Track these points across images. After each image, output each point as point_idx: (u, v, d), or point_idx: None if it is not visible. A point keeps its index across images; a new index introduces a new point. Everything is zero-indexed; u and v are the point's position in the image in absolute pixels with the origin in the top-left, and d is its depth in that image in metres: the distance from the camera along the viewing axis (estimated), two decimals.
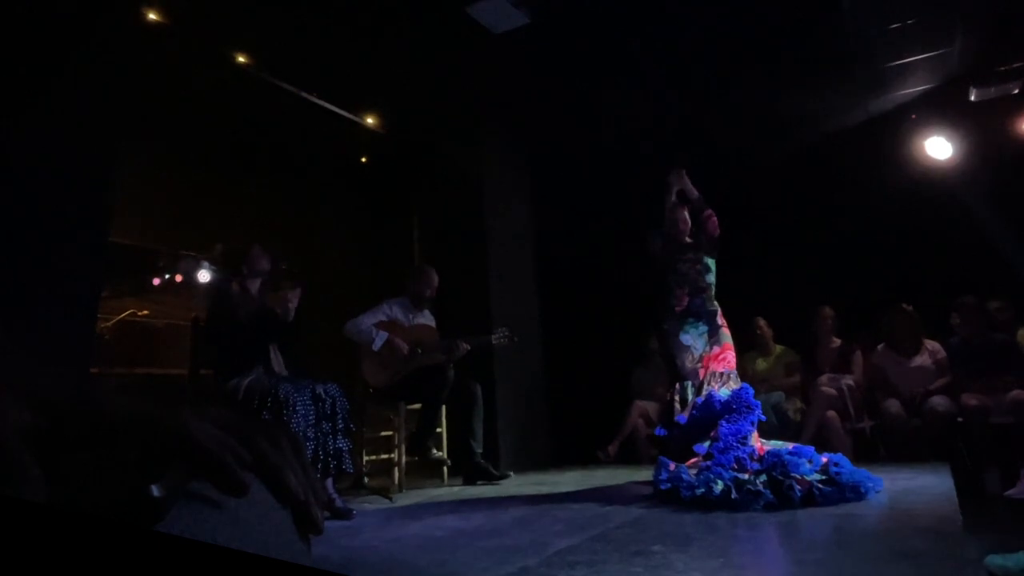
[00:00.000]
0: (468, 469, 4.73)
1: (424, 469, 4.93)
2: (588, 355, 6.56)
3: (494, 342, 4.99)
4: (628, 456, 5.85)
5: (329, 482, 3.55)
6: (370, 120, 6.20)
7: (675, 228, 4.42)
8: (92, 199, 3.55)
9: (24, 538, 0.36)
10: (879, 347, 5.43)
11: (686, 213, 4.44)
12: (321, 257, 6.39)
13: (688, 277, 4.30)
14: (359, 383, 4.68)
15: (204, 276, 6.51)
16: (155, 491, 0.46)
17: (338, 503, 3.49)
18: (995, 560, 2.05)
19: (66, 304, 3.30)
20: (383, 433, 4.64)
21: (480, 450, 4.74)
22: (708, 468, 3.41)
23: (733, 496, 3.10)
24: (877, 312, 5.48)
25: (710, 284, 4.30)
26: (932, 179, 5.96)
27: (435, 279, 4.94)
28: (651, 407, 6.02)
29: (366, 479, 4.44)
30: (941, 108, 6.03)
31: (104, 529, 0.38)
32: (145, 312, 6.47)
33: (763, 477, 3.20)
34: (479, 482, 4.66)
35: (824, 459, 3.44)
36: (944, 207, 5.67)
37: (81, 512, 0.41)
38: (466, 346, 4.71)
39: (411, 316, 4.87)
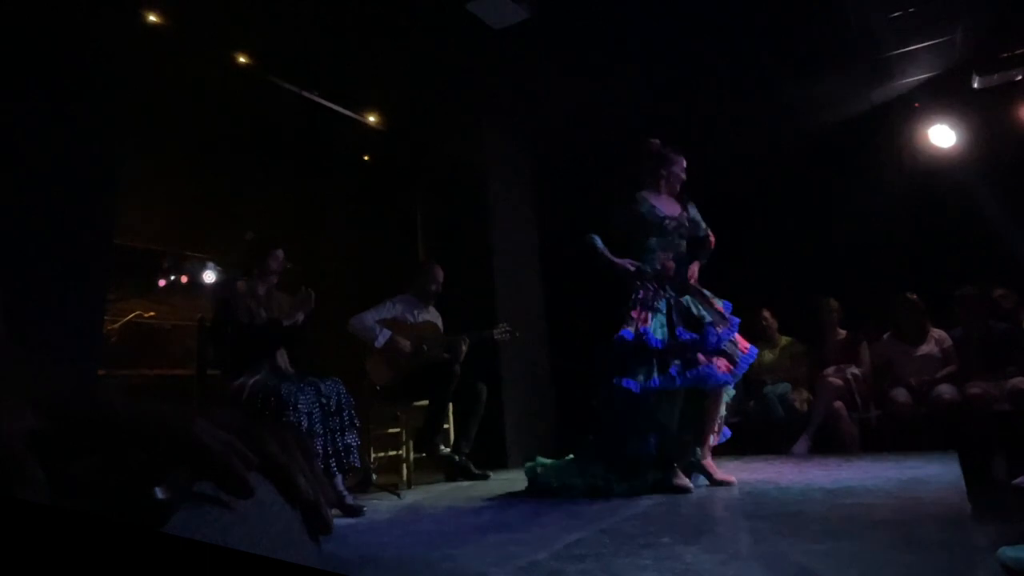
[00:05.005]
0: (450, 466, 4.75)
1: (432, 465, 4.94)
2: (594, 348, 6.55)
3: (496, 337, 5.00)
4: None
5: (339, 479, 3.56)
6: (372, 118, 6.19)
7: (676, 182, 4.11)
8: (97, 201, 3.56)
9: (28, 538, 0.36)
10: (885, 336, 5.43)
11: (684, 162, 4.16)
12: (325, 255, 6.40)
13: (673, 240, 4.00)
14: (365, 380, 4.69)
15: (209, 277, 6.52)
16: (159, 494, 0.46)
17: (348, 500, 3.50)
18: (1007, 552, 2.03)
19: (72, 306, 3.31)
20: (390, 430, 4.66)
21: (467, 451, 4.77)
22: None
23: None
24: (882, 303, 5.47)
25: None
26: (936, 168, 5.94)
27: (440, 274, 4.95)
28: None
29: (374, 476, 4.46)
30: (944, 96, 6.00)
31: (108, 529, 0.38)
32: (151, 313, 6.47)
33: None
34: (458, 479, 4.69)
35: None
36: (948, 195, 5.64)
37: (86, 512, 0.41)
38: (465, 343, 4.72)
39: (417, 313, 4.88)
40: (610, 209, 4.09)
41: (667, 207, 4.05)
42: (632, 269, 3.89)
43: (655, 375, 3.68)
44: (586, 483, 3.67)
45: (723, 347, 3.81)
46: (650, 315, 3.78)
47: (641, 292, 3.86)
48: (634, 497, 3.45)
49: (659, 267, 3.92)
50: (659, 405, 3.72)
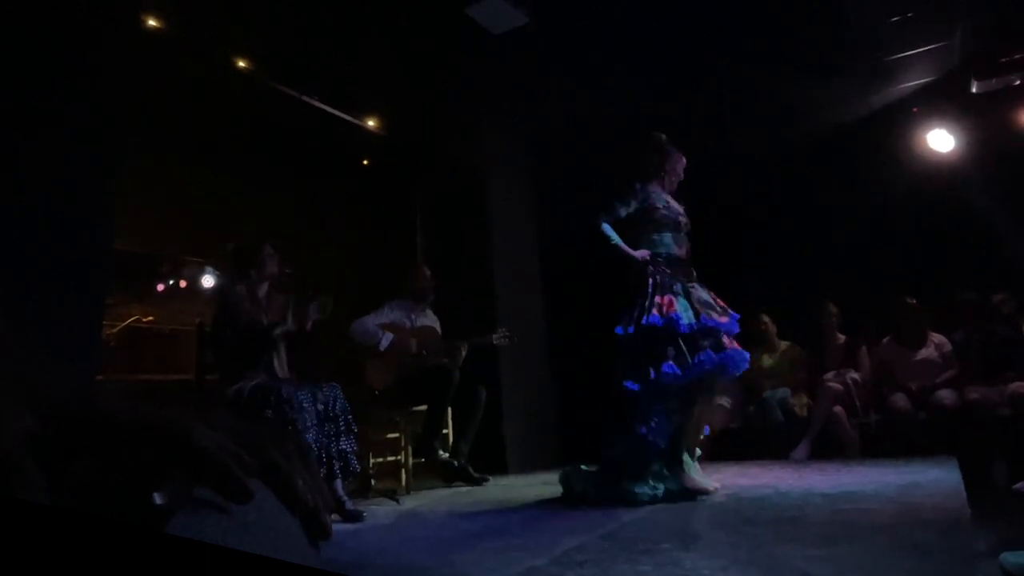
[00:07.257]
0: (449, 469, 4.72)
1: (431, 470, 4.93)
2: (594, 352, 6.54)
3: (495, 342, 4.99)
4: None
5: (338, 484, 3.55)
6: (371, 123, 6.20)
7: (676, 180, 4.10)
8: (96, 203, 3.56)
9: (28, 538, 0.36)
10: (885, 340, 5.43)
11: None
12: (324, 260, 6.39)
13: (682, 237, 3.94)
14: (364, 385, 4.68)
15: (208, 281, 6.52)
16: (157, 499, 0.45)
17: (348, 505, 3.50)
18: (1009, 558, 2.03)
19: (71, 310, 3.31)
20: (389, 435, 4.65)
21: (467, 451, 4.75)
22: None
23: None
24: (882, 307, 5.47)
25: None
26: (934, 172, 5.94)
27: (427, 271, 4.96)
28: None
29: (373, 481, 4.44)
30: (943, 101, 6.01)
31: (108, 529, 0.38)
32: (150, 318, 6.48)
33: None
34: (457, 482, 4.66)
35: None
36: (947, 200, 5.65)
37: (86, 512, 0.41)
38: (464, 349, 4.71)
39: (414, 316, 4.87)
40: (618, 201, 3.95)
41: (675, 203, 4.02)
42: (646, 259, 3.80)
43: (690, 358, 3.54)
44: (622, 491, 3.48)
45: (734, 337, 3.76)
46: (673, 299, 3.67)
47: (658, 277, 3.74)
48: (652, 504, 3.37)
49: (673, 256, 3.85)
50: (692, 392, 3.63)
